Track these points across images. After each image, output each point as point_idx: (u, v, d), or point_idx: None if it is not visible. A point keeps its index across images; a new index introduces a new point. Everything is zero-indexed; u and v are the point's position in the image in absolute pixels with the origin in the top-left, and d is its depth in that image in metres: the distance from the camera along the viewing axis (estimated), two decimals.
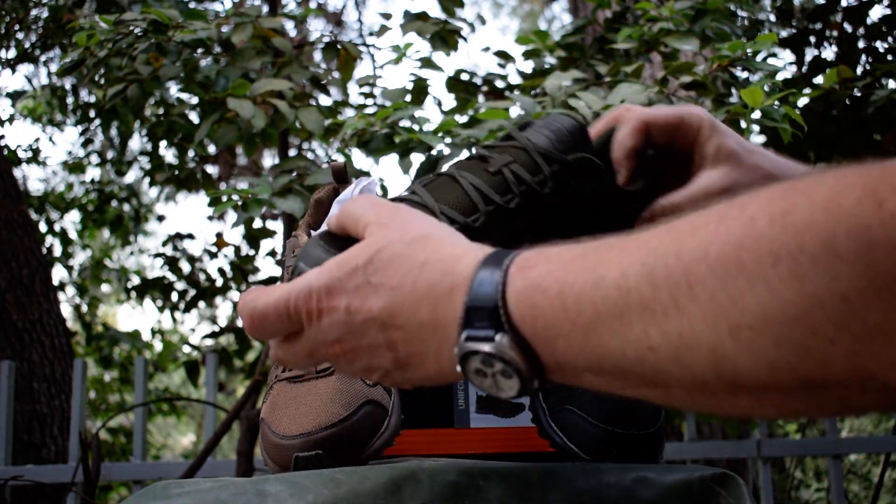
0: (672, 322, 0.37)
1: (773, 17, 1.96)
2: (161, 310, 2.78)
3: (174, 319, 2.84)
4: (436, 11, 3.26)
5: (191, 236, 2.81)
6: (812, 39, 1.92)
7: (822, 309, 0.33)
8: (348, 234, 0.52)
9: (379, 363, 0.48)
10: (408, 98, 1.71)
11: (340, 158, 1.70)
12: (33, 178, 6.09)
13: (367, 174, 1.68)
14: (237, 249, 2.62)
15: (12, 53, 2.83)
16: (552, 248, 0.43)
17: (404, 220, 0.49)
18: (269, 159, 4.95)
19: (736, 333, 0.35)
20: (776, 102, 1.19)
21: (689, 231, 0.37)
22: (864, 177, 0.33)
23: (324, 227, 0.56)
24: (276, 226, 3.34)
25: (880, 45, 1.92)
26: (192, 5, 2.31)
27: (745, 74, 1.49)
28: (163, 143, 2.45)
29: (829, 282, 0.32)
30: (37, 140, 3.62)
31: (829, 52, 1.96)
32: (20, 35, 2.73)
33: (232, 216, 4.17)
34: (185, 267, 2.74)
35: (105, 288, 5.33)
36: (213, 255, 2.66)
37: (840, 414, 0.37)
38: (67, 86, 3.06)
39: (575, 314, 0.40)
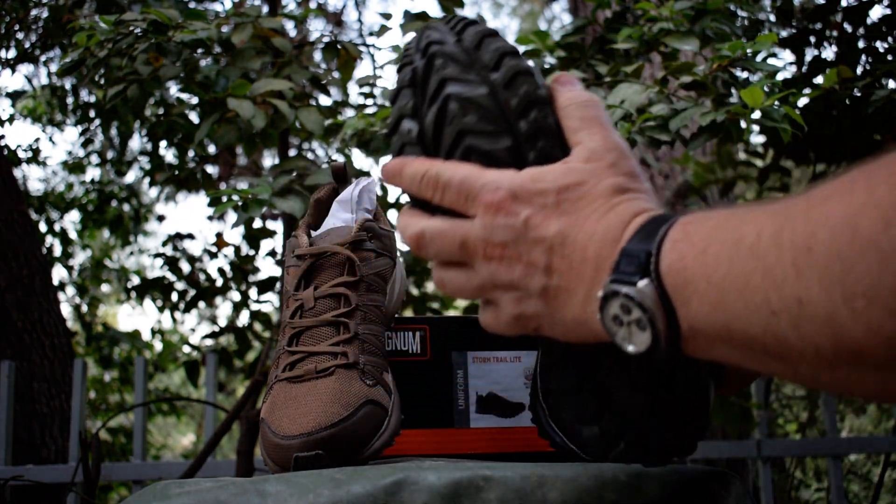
0: (791, 287, 0.37)
1: (773, 17, 1.96)
2: (161, 310, 2.78)
3: (174, 319, 2.84)
4: (436, 11, 3.26)
5: (191, 236, 2.81)
6: (812, 39, 1.92)
7: None
8: (563, 115, 0.52)
9: (528, 284, 0.49)
10: None
11: (340, 158, 1.70)
12: (33, 178, 6.10)
13: (367, 174, 1.68)
14: (237, 249, 2.62)
15: (12, 53, 2.83)
16: (719, 208, 0.43)
17: (617, 162, 0.50)
18: (269, 159, 4.95)
19: (850, 301, 0.35)
20: (776, 102, 1.19)
21: (822, 197, 0.37)
22: None
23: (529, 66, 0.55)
24: (276, 226, 3.34)
25: (880, 45, 1.92)
26: (192, 5, 2.31)
27: (745, 74, 1.49)
28: (163, 143, 2.45)
29: None
30: (37, 140, 3.61)
31: (829, 52, 1.96)
32: (20, 35, 2.73)
33: (232, 216, 4.17)
34: (185, 267, 2.74)
35: (105, 288, 5.34)
36: (213, 255, 2.66)
37: None
38: (67, 86, 3.06)
39: (711, 271, 0.40)
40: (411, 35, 1.71)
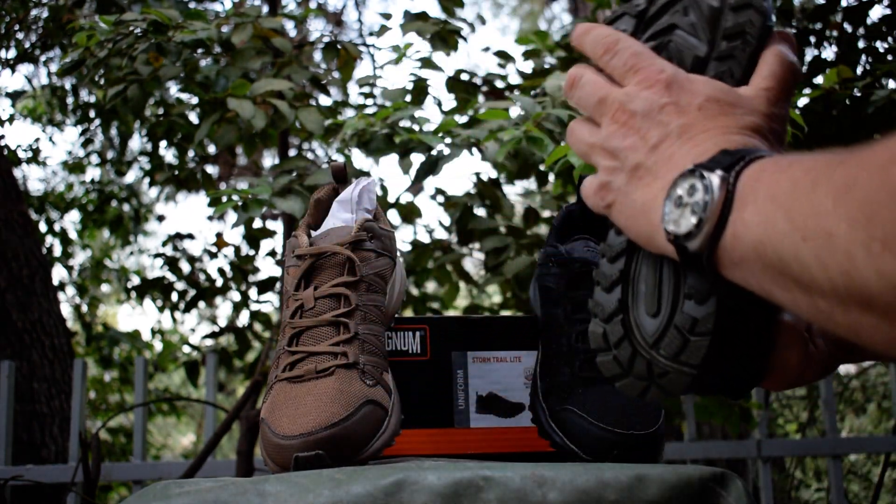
0: (826, 218, 0.38)
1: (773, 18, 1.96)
2: (161, 310, 2.78)
3: (174, 319, 2.83)
4: (436, 11, 3.26)
5: (191, 236, 2.81)
6: (812, 39, 1.92)
7: None
8: (761, 46, 0.55)
9: (628, 156, 0.52)
10: (408, 98, 1.71)
11: (340, 158, 1.70)
12: (33, 178, 6.09)
13: (367, 174, 1.68)
14: (237, 249, 2.62)
15: (12, 53, 2.83)
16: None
17: (769, 117, 0.53)
18: (269, 159, 4.94)
19: (868, 244, 0.36)
20: None
21: (877, 144, 0.39)
22: None
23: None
24: (276, 226, 3.34)
25: (880, 45, 1.92)
26: (192, 5, 2.31)
27: None
28: (163, 143, 2.45)
29: None
30: (37, 140, 3.61)
31: (829, 52, 1.96)
32: (20, 35, 2.73)
33: (232, 216, 4.17)
34: (185, 267, 2.74)
35: (105, 288, 5.34)
36: (213, 256, 2.66)
37: None
38: (67, 86, 3.05)
39: (772, 184, 0.43)
40: (411, 35, 1.71)
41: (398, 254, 0.88)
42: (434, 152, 1.43)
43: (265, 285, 2.46)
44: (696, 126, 0.50)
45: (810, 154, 0.44)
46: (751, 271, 0.44)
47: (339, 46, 1.75)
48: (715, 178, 0.45)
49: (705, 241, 0.45)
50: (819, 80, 1.84)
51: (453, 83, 1.78)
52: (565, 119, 1.35)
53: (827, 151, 0.44)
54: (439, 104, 1.84)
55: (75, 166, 3.69)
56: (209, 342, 3.13)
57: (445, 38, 1.72)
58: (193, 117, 1.88)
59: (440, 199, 2.05)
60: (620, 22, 0.60)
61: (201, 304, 2.70)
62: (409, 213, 2.13)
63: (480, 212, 1.94)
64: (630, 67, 0.54)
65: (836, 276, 0.38)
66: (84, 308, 3.90)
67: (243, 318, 2.70)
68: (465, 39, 1.75)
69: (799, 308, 0.43)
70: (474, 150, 1.47)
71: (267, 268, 6.81)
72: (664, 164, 0.50)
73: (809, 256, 0.39)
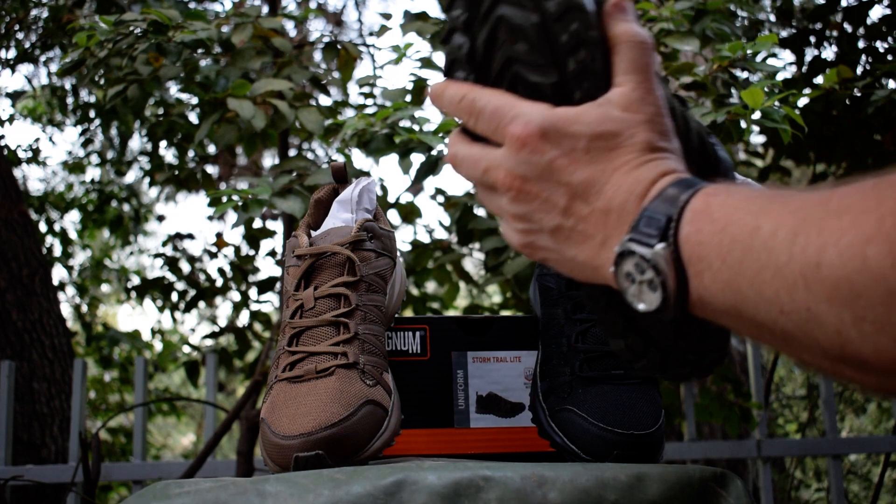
0: (801, 295, 0.38)
1: (773, 17, 1.96)
2: (161, 310, 2.78)
3: (174, 319, 2.83)
4: (436, 11, 3.26)
5: (191, 236, 2.81)
6: (812, 39, 1.92)
7: None
8: (612, 49, 0.51)
9: (541, 220, 0.50)
10: (408, 98, 1.71)
11: (340, 158, 1.70)
12: (33, 178, 6.10)
13: (367, 174, 1.68)
14: (237, 249, 2.62)
15: (12, 53, 2.83)
16: (738, 186, 0.44)
17: (654, 119, 0.49)
18: (269, 159, 4.95)
19: (859, 325, 0.36)
20: (776, 103, 1.19)
21: (838, 209, 0.38)
22: None
23: None
24: (276, 226, 3.34)
25: (880, 45, 1.92)
26: (192, 5, 2.31)
27: (745, 75, 1.49)
28: (163, 143, 2.45)
29: None
30: (37, 140, 3.61)
31: (829, 52, 1.96)
32: (20, 35, 2.73)
33: (232, 216, 4.17)
34: (185, 267, 2.74)
35: (105, 288, 5.34)
36: (213, 256, 2.66)
37: None
38: (67, 86, 3.06)
39: (727, 253, 0.41)
40: (411, 35, 1.71)
41: (398, 254, 0.88)
42: (434, 152, 1.43)
43: (265, 285, 2.46)
44: (598, 178, 0.48)
45: (742, 194, 0.43)
46: (730, 325, 0.44)
47: (339, 46, 1.75)
48: (657, 253, 0.44)
49: (677, 311, 0.45)
50: (819, 80, 1.84)
51: None
52: None
53: (759, 193, 0.43)
54: None
55: (75, 166, 3.69)
56: (209, 342, 3.13)
57: None
58: (193, 117, 1.88)
59: (440, 199, 2.05)
60: (457, 72, 0.56)
61: (201, 304, 2.70)
62: (409, 213, 2.13)
63: (480, 212, 1.94)
64: (496, 128, 0.51)
65: (828, 346, 0.38)
66: (84, 308, 3.89)
67: (243, 318, 2.70)
68: None
69: (786, 354, 0.42)
70: None
71: (267, 268, 6.82)
72: (589, 224, 0.48)
73: (792, 328, 0.39)
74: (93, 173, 3.78)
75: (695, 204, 0.44)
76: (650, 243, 0.44)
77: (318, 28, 3.93)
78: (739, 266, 0.40)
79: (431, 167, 1.43)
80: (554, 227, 0.49)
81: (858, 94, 1.41)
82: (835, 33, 1.92)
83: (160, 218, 4.15)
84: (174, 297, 2.69)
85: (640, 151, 0.48)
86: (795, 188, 0.43)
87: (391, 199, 2.10)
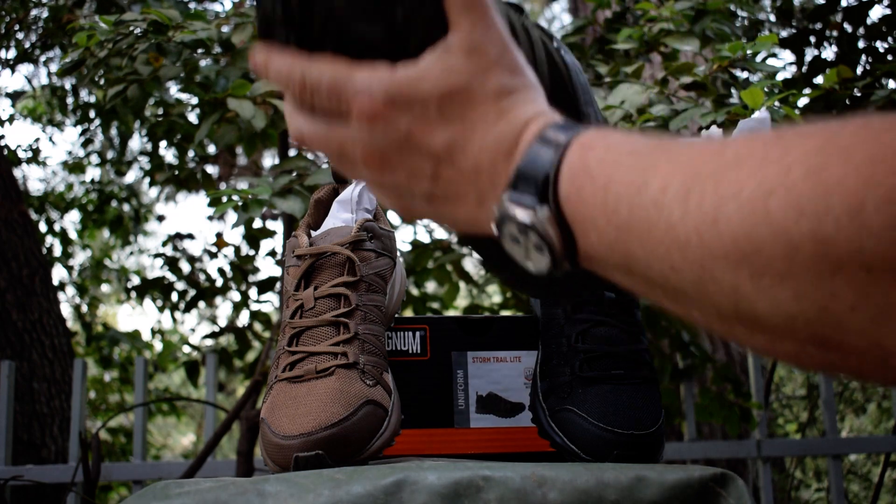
0: (694, 251, 0.36)
1: (773, 18, 1.96)
2: (161, 310, 2.78)
3: (174, 319, 2.83)
4: None
5: (191, 236, 2.81)
6: (812, 39, 1.92)
7: (844, 275, 0.32)
8: None
9: (410, 188, 0.47)
10: None
11: None
12: (33, 178, 6.10)
13: None
14: (237, 249, 2.62)
15: (12, 53, 2.83)
16: (616, 133, 0.41)
17: (501, 57, 0.45)
18: (269, 159, 4.95)
19: (757, 280, 0.35)
20: (776, 103, 1.19)
21: (733, 161, 0.36)
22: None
23: None
24: (276, 226, 3.34)
25: (880, 45, 1.92)
26: (192, 5, 2.31)
27: (745, 75, 1.49)
28: (163, 143, 2.45)
29: (853, 250, 0.31)
30: (37, 140, 3.61)
31: (829, 52, 1.96)
32: (20, 35, 2.73)
33: (232, 216, 4.17)
34: (185, 267, 2.74)
35: (105, 288, 5.34)
36: (213, 255, 2.66)
37: (857, 379, 0.37)
38: (67, 86, 3.06)
39: (612, 213, 0.39)
40: None
41: (398, 254, 0.88)
42: None
43: (265, 285, 2.46)
44: (458, 138, 0.44)
45: (622, 145, 0.40)
46: (621, 281, 0.42)
47: None
48: (539, 218, 0.41)
49: (567, 268, 0.43)
50: (819, 80, 1.84)
51: None
52: None
53: (639, 144, 0.40)
54: None
55: (75, 166, 3.69)
56: (209, 342, 3.13)
57: None
58: (193, 117, 1.88)
59: None
60: (274, 34, 0.49)
61: (201, 304, 2.70)
62: None
63: None
64: (338, 102, 0.46)
65: (722, 304, 0.37)
66: (84, 308, 3.89)
67: (243, 318, 2.70)
68: None
69: (673, 312, 0.41)
70: None
71: (267, 268, 6.82)
72: (461, 186, 0.45)
73: (685, 284, 0.38)
74: (93, 173, 3.78)
75: (571, 160, 0.41)
76: (530, 205, 0.41)
77: None
78: (627, 225, 0.38)
79: None
80: (425, 193, 0.46)
81: (858, 94, 1.41)
82: (835, 33, 1.92)
83: (160, 218, 4.15)
84: (174, 297, 2.69)
85: (495, 100, 0.44)
86: (681, 137, 0.41)
87: None
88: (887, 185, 0.31)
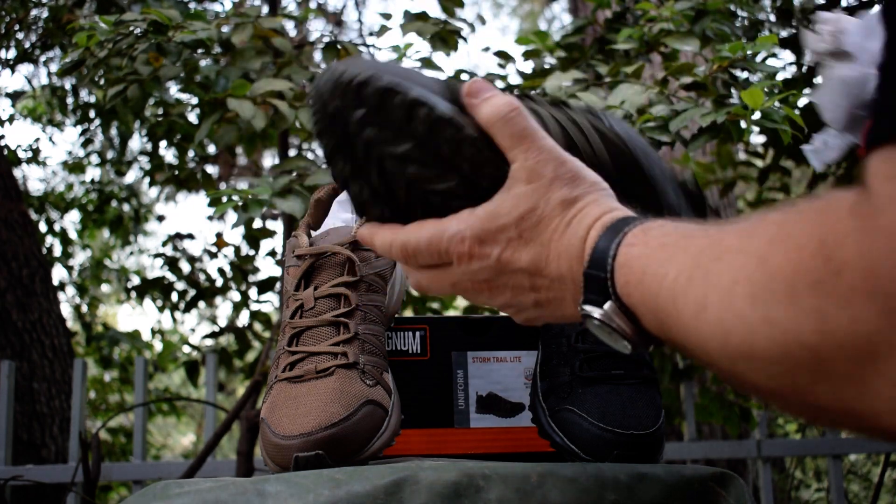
0: (694, 335, 0.42)
1: (773, 18, 1.96)
2: (161, 310, 2.78)
3: (174, 319, 2.83)
4: (436, 11, 3.25)
5: (191, 236, 2.81)
6: None
7: (793, 356, 0.36)
8: (489, 133, 0.54)
9: (520, 301, 0.54)
10: None
11: None
12: (33, 178, 6.09)
13: None
14: (237, 249, 2.62)
15: (12, 53, 2.83)
16: (654, 225, 0.48)
17: (557, 173, 0.53)
18: (269, 159, 4.95)
19: (734, 361, 0.40)
20: (776, 103, 1.19)
21: (721, 252, 0.41)
22: (818, 225, 0.36)
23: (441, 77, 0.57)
24: (276, 226, 3.34)
25: None
26: (192, 5, 2.31)
27: (745, 75, 1.49)
28: (163, 143, 2.45)
29: (796, 333, 0.36)
30: (37, 140, 3.61)
31: None
32: (20, 35, 2.73)
33: (232, 216, 4.17)
34: (185, 267, 2.73)
35: (105, 288, 5.33)
36: (213, 256, 2.65)
37: (846, 429, 0.41)
38: (67, 86, 3.05)
39: (648, 299, 0.46)
40: (411, 35, 1.71)
41: None
42: None
43: (265, 285, 2.46)
44: (540, 254, 0.52)
45: (657, 239, 0.47)
46: (689, 356, 0.49)
47: (339, 46, 1.75)
48: (607, 312, 0.48)
49: (649, 347, 0.51)
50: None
51: None
52: None
53: (670, 235, 0.46)
54: None
55: (75, 166, 3.69)
56: (209, 342, 3.12)
57: (445, 38, 1.72)
58: (193, 117, 1.88)
59: None
60: (371, 211, 0.58)
61: (201, 304, 2.70)
62: None
63: None
64: (438, 255, 0.54)
65: (721, 371, 0.43)
66: (84, 308, 3.89)
67: (243, 318, 2.70)
68: (465, 39, 1.75)
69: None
70: None
71: (267, 268, 6.81)
72: (555, 291, 0.53)
73: (699, 357, 0.44)
74: (93, 173, 3.78)
75: (620, 257, 0.48)
76: (600, 303, 0.48)
77: (318, 28, 3.93)
78: (657, 310, 0.45)
79: None
80: (533, 301, 0.54)
81: None
82: None
83: (160, 218, 4.15)
84: (174, 297, 2.69)
85: (560, 213, 0.52)
86: (710, 222, 0.46)
87: None
88: (815, 270, 0.35)
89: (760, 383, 0.39)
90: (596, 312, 0.49)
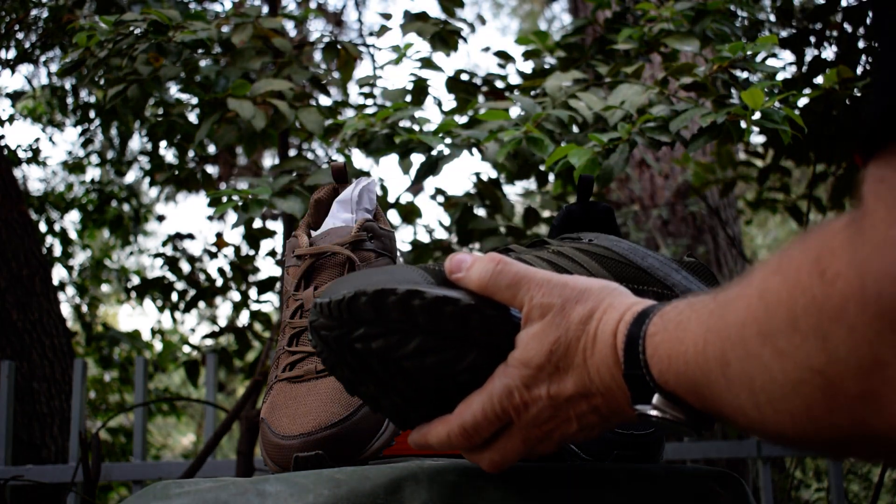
0: (719, 394, 0.45)
1: (773, 18, 1.96)
2: (161, 310, 2.78)
3: (174, 319, 2.83)
4: (436, 12, 3.26)
5: (191, 236, 2.81)
6: (812, 39, 1.92)
7: (807, 383, 0.37)
8: (486, 296, 0.56)
9: (588, 423, 0.55)
10: (408, 98, 1.71)
11: (340, 158, 1.70)
12: (33, 178, 6.09)
13: (367, 174, 1.68)
14: (237, 249, 2.62)
15: (12, 53, 2.83)
16: (668, 308, 0.50)
17: (565, 296, 0.54)
18: (269, 159, 4.95)
19: (761, 406, 0.41)
20: (776, 103, 1.19)
21: (722, 311, 0.43)
22: (814, 244, 0.37)
23: (431, 266, 0.59)
24: (276, 226, 3.34)
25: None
26: (192, 6, 2.31)
27: (745, 75, 1.49)
28: (163, 143, 2.45)
29: (803, 358, 0.37)
30: (37, 140, 3.61)
31: (829, 52, 1.96)
32: (20, 35, 2.73)
33: (232, 216, 4.17)
34: (185, 267, 2.74)
35: (105, 288, 5.33)
36: (213, 255, 2.66)
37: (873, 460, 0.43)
38: (67, 86, 3.05)
39: (682, 379, 0.48)
40: (411, 35, 1.71)
41: (398, 254, 0.88)
42: (434, 152, 1.43)
43: (265, 285, 2.46)
44: (580, 374, 0.53)
45: (674, 318, 0.49)
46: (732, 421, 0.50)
47: (339, 46, 1.75)
48: (658, 406, 0.50)
49: (707, 427, 0.52)
50: (819, 80, 1.84)
51: (453, 83, 1.78)
52: (565, 119, 1.35)
53: (685, 310, 0.48)
54: (439, 104, 1.84)
55: (75, 166, 3.69)
56: (209, 342, 3.13)
57: (445, 38, 1.72)
58: (193, 117, 1.88)
59: (440, 199, 2.05)
60: (411, 414, 0.60)
61: (201, 304, 2.70)
62: (409, 213, 2.13)
63: (480, 212, 1.94)
64: (497, 422, 0.55)
65: (748, 425, 0.45)
66: (84, 308, 3.89)
67: (243, 318, 2.70)
68: (465, 40, 1.75)
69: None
70: (474, 150, 1.47)
71: (267, 268, 6.81)
72: (611, 402, 0.54)
73: (728, 417, 0.46)
74: (93, 173, 3.78)
75: (648, 349, 0.49)
76: (648, 398, 0.50)
77: (318, 28, 3.93)
78: (695, 387, 0.47)
79: (431, 167, 1.43)
80: (597, 419, 0.55)
81: (858, 94, 1.40)
82: (835, 33, 1.92)
83: (160, 218, 4.15)
84: (174, 297, 2.69)
85: (584, 330, 0.53)
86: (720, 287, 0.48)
87: (391, 199, 2.10)
88: (811, 288, 0.36)
89: (787, 429, 0.40)
90: (649, 409, 0.50)
